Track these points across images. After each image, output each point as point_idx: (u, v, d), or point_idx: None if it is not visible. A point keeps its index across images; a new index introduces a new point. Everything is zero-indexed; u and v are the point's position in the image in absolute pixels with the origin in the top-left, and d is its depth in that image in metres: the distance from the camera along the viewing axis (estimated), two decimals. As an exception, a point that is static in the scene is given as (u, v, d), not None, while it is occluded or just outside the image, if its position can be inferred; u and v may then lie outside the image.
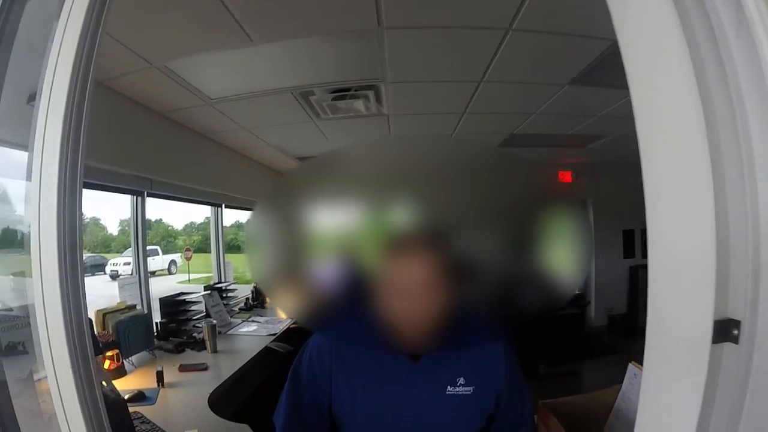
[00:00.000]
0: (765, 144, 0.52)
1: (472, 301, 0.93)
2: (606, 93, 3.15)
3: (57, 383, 0.78)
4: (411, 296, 0.88)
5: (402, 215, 0.87)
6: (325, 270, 0.91)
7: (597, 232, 6.59)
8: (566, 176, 6.28)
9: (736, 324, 0.53)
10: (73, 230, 0.77)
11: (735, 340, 0.53)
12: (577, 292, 6.51)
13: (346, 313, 0.98)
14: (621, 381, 1.25)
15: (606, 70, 2.63)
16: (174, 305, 3.57)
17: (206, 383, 2.50)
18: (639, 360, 1.11)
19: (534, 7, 1.91)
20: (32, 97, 0.78)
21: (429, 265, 0.87)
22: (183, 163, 3.63)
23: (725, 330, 0.53)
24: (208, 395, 2.29)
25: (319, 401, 1.12)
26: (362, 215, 0.87)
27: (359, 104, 3.05)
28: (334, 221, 0.89)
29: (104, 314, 2.83)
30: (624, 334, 6.18)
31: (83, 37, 0.81)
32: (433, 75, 2.73)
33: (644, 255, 6.25)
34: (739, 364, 0.53)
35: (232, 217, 4.99)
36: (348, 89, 2.88)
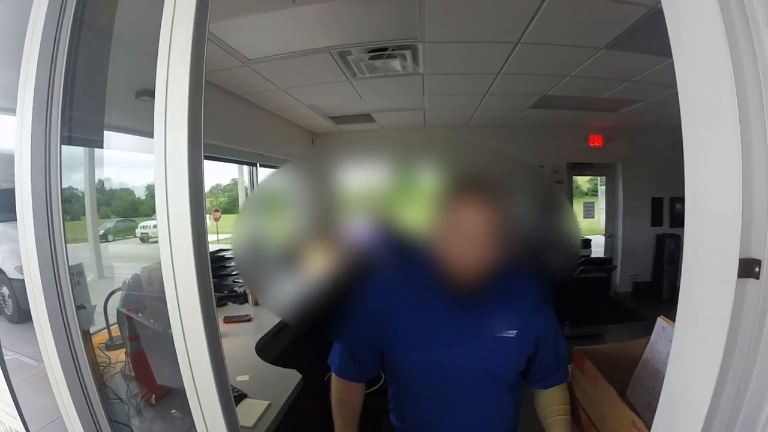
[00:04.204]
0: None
1: (516, 253, 1.04)
2: (641, 58, 3.11)
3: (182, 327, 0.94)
4: (473, 241, 0.99)
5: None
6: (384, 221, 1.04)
7: (625, 199, 6.52)
8: (597, 140, 6.18)
9: (757, 263, 0.61)
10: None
11: (756, 276, 0.61)
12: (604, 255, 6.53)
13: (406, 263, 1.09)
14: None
15: (642, 35, 2.60)
16: (214, 261, 3.72)
17: (251, 333, 2.66)
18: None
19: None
20: (140, 93, 0.87)
21: (493, 213, 0.98)
22: (219, 124, 3.71)
23: (748, 267, 0.61)
24: (254, 344, 2.43)
25: (373, 344, 1.22)
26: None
27: (396, 63, 3.08)
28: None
29: (150, 271, 2.99)
30: (647, 302, 6.17)
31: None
32: (471, 36, 2.73)
33: (672, 224, 6.23)
34: (759, 297, 0.62)
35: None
36: (385, 49, 2.91)
